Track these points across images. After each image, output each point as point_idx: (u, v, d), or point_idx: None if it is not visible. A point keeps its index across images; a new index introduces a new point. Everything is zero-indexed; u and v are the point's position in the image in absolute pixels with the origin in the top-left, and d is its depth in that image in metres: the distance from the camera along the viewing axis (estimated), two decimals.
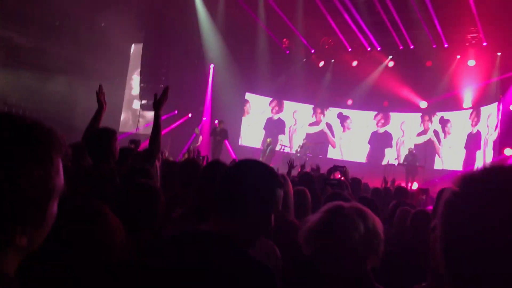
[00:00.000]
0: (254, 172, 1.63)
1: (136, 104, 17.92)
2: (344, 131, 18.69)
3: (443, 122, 16.68)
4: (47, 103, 16.01)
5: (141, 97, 16.44)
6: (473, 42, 14.92)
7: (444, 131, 16.59)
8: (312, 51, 18.19)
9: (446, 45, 15.41)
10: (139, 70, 17.16)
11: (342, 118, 18.72)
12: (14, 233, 0.87)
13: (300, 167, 6.34)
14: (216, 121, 15.52)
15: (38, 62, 16.50)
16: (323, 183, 5.03)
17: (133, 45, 19.05)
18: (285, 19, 15.65)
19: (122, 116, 18.68)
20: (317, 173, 6.36)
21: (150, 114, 17.73)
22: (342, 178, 5.75)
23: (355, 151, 18.17)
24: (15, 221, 0.87)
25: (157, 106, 3.53)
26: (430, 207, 5.10)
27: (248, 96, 19.12)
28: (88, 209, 1.56)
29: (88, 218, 1.52)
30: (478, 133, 15.47)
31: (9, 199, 0.84)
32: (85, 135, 3.31)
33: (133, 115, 18.44)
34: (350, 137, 18.54)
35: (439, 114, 16.77)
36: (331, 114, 18.89)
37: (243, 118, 19.07)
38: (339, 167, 5.73)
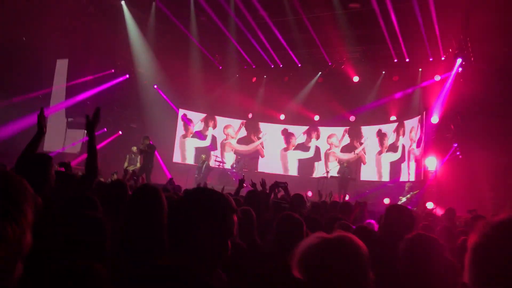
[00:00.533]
0: (205, 202, 1.60)
1: (62, 122, 17.04)
2: (276, 145, 18.97)
3: (371, 135, 17.41)
4: None
5: (66, 114, 15.68)
6: (396, 60, 15.73)
7: (369, 144, 17.30)
8: (245, 67, 18.35)
9: (371, 62, 16.17)
10: (64, 86, 16.38)
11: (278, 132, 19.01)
12: None
13: (239, 182, 6.24)
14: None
15: None
16: (269, 203, 4.98)
17: (57, 61, 18.19)
18: (218, 34, 15.69)
19: (47, 135, 17.65)
20: (263, 188, 6.29)
21: (76, 132, 17.04)
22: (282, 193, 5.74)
23: (288, 164, 18.44)
24: None
25: (90, 128, 3.35)
26: (370, 221, 5.18)
27: (182, 112, 18.86)
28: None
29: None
30: (403, 145, 16.27)
31: None
32: (19, 162, 3.01)
33: (59, 133, 17.50)
34: (282, 151, 18.81)
35: (366, 127, 17.47)
36: (265, 128, 19.09)
37: (177, 135, 18.74)
38: (281, 183, 5.70)
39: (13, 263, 0.78)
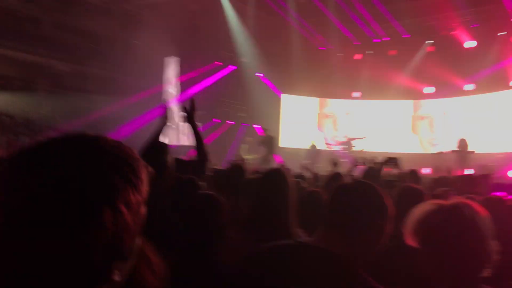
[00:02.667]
0: (374, 194, 1.62)
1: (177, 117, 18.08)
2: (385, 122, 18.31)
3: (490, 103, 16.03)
4: (93, 123, 16.43)
5: (180, 109, 16.58)
6: None
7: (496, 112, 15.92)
8: (351, 43, 17.87)
9: (485, 24, 14.81)
10: (174, 83, 17.36)
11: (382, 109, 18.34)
12: (112, 269, 0.76)
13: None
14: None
15: (80, 85, 16.99)
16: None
17: (166, 59, 19.31)
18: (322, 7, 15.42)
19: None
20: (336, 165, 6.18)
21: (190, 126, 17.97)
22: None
23: (397, 141, 17.71)
24: (116, 255, 0.75)
25: (190, 119, 3.53)
26: (496, 193, 4.79)
27: (284, 97, 18.96)
28: None
29: None
30: None
31: (110, 227, 0.73)
32: (141, 150, 3.27)
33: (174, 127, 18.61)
34: (390, 127, 18.11)
35: (485, 95, 16.10)
36: (372, 105, 18.53)
37: (281, 120, 18.90)
38: (392, 159, 5.49)
39: (136, 231, 0.80)
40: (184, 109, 3.56)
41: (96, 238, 0.72)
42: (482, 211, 1.56)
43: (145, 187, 0.82)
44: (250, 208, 2.59)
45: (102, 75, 17.60)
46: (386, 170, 5.69)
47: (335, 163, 6.35)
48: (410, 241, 1.62)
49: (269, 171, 2.77)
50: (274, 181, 2.55)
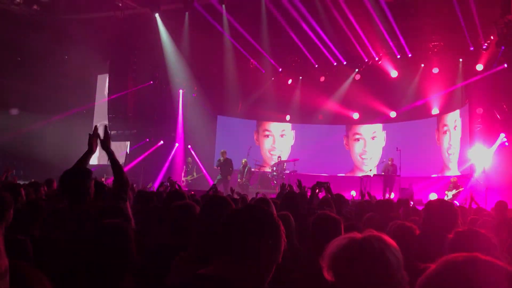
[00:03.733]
0: (269, 219, 1.65)
1: None
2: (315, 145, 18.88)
3: (413, 130, 17.01)
4: (16, 139, 15.57)
5: (110, 127, 16.14)
6: (435, 50, 15.30)
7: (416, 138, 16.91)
8: (280, 69, 18.37)
9: (409, 55, 15.78)
10: (106, 100, 16.92)
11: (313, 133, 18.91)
12: None
13: (280, 186, 6.23)
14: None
15: (2, 100, 16.07)
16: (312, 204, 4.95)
17: (98, 76, 18.83)
18: (250, 40, 15.75)
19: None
20: (299, 189, 6.25)
21: (120, 145, 17.56)
22: (328, 195, 5.67)
23: (328, 164, 18.29)
24: None
25: (105, 146, 3.51)
26: (415, 218, 5.04)
27: (220, 118, 19.04)
28: None
29: None
30: (448, 138, 15.82)
31: None
32: (63, 177, 3.17)
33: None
34: (322, 151, 18.67)
35: (407, 122, 17.11)
36: (303, 129, 19.04)
37: (216, 141, 18.91)
38: (323, 183, 5.61)
39: None
40: (98, 136, 3.55)
41: None
42: (392, 243, 1.60)
43: None
44: (168, 236, 2.58)
45: (29, 90, 16.78)
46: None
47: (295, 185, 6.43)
48: (326, 274, 1.63)
49: (211, 199, 2.74)
50: (187, 209, 2.55)
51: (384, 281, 1.53)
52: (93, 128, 3.64)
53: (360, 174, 16.36)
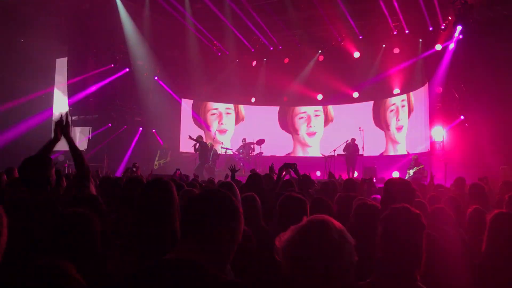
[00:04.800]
0: (226, 202, 1.70)
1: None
2: (281, 126, 19.06)
3: (375, 109, 17.37)
4: None
5: (70, 113, 15.72)
6: (395, 32, 15.54)
7: (378, 118, 17.28)
8: (244, 51, 18.26)
9: (371, 36, 15.99)
10: (65, 85, 16.44)
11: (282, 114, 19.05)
12: None
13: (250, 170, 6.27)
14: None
15: None
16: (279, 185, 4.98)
17: (57, 60, 18.21)
18: (214, 22, 15.56)
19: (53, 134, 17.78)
20: (271, 173, 6.29)
21: (81, 130, 17.16)
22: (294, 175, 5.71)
23: (294, 145, 18.50)
24: None
25: (65, 133, 3.45)
26: (375, 196, 5.17)
27: (184, 101, 18.85)
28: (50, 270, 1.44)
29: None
30: (407, 117, 16.23)
31: None
32: (23, 164, 3.07)
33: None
34: (287, 133, 18.85)
35: (370, 103, 17.45)
36: (268, 111, 19.12)
37: (181, 125, 18.75)
38: (290, 164, 5.63)
39: None
40: (57, 123, 3.46)
41: None
42: (335, 228, 1.65)
43: None
44: (133, 222, 2.56)
45: None
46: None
47: (232, 169, 6.40)
48: (277, 256, 1.69)
49: (150, 182, 2.75)
50: (156, 192, 2.54)
51: (329, 267, 1.59)
52: (59, 116, 3.54)
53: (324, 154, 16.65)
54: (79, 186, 3.16)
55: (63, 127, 3.43)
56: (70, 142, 3.42)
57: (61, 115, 3.52)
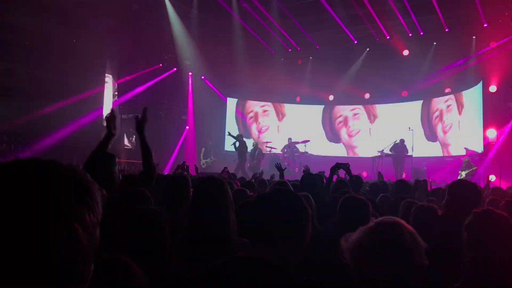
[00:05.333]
0: (299, 202, 1.72)
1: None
2: (327, 127, 18.83)
3: (427, 109, 16.86)
4: (31, 126, 15.64)
5: (120, 112, 16.16)
6: (447, 29, 15.01)
7: (428, 118, 16.77)
8: (289, 50, 18.18)
9: (421, 33, 15.52)
10: (115, 84, 16.92)
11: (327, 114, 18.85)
12: None
13: (304, 169, 6.21)
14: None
15: (15, 85, 16.10)
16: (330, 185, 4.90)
17: (107, 60, 18.75)
18: (260, 20, 15.57)
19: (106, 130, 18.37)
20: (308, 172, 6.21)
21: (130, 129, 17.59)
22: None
23: (340, 145, 18.26)
24: (66, 278, 0.76)
25: (140, 129, 3.44)
26: (431, 198, 5.00)
27: (230, 100, 18.98)
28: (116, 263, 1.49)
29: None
30: (459, 118, 15.67)
31: (65, 245, 0.74)
32: (87, 162, 3.13)
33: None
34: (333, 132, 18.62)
35: (419, 102, 16.96)
36: (313, 110, 18.96)
37: (226, 124, 18.90)
38: (343, 164, 5.48)
39: (91, 253, 0.81)
40: (135, 118, 3.48)
41: (51, 256, 0.73)
42: (405, 230, 1.61)
43: (99, 209, 0.83)
44: (188, 222, 2.55)
45: (37, 74, 16.77)
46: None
47: (279, 167, 6.37)
48: (344, 257, 1.67)
49: (202, 181, 2.74)
50: (210, 191, 2.52)
51: (402, 269, 1.56)
52: (109, 111, 3.58)
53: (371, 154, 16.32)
54: (144, 184, 3.18)
55: (139, 122, 3.43)
56: (143, 138, 3.43)
57: (113, 110, 3.56)
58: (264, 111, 19.52)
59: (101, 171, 2.94)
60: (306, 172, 5.23)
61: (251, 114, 19.49)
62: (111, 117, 3.47)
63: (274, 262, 1.58)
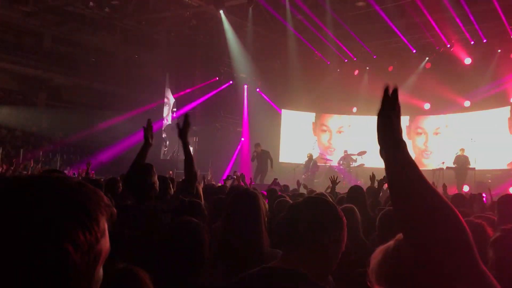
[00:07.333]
0: (333, 212, 1.68)
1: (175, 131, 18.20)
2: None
3: (488, 120, 16.02)
4: (92, 137, 16.50)
5: (178, 125, 16.66)
6: None
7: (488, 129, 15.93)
8: (345, 60, 17.97)
9: (484, 40, 14.85)
10: (174, 97, 17.48)
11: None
12: None
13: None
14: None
15: (79, 99, 17.09)
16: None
17: (167, 74, 19.43)
18: (315, 31, 15.55)
19: (165, 144, 19.01)
20: (373, 181, 6.07)
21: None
22: None
23: None
24: None
25: (183, 135, 3.48)
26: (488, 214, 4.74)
27: (284, 112, 19.01)
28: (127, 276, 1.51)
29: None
30: None
31: (54, 267, 0.75)
32: (127, 173, 3.25)
33: (173, 142, 18.68)
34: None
35: (484, 112, 16.13)
36: (371, 121, 18.55)
37: (281, 135, 18.92)
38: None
39: (92, 268, 0.82)
40: (177, 125, 3.55)
41: (40, 276, 0.74)
42: None
43: (100, 227, 0.83)
44: (222, 235, 2.57)
45: (101, 89, 17.71)
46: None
47: (333, 180, 6.30)
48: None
49: (236, 194, 2.75)
50: (242, 204, 2.53)
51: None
52: (147, 122, 3.67)
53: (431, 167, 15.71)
54: (184, 194, 3.25)
55: (182, 129, 3.49)
56: (186, 145, 3.49)
57: (149, 120, 3.64)
58: (321, 123, 19.31)
59: (141, 182, 3.04)
60: (354, 185, 5.13)
61: (308, 126, 19.36)
62: (148, 128, 3.56)
63: (305, 272, 1.55)
